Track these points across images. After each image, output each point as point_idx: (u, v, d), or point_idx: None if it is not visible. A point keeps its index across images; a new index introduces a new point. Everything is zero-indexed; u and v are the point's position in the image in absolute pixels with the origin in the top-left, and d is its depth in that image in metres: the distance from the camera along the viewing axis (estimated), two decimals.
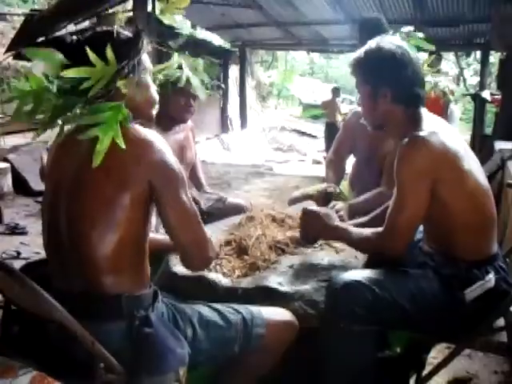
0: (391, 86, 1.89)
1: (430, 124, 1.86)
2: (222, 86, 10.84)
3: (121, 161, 1.42)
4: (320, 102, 16.77)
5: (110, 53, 1.41)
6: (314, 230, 2.10)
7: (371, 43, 1.96)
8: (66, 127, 1.52)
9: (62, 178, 1.50)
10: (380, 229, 1.89)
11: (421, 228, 2.05)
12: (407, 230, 1.85)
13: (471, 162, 1.86)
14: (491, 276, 1.80)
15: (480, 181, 1.86)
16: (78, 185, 1.46)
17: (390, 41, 1.94)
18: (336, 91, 10.83)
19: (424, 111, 1.93)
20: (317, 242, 2.20)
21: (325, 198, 2.68)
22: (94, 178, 1.44)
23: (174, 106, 2.64)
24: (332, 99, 10.49)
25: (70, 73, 1.39)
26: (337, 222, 2.08)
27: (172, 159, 1.49)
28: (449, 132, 1.87)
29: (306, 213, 2.13)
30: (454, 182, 1.80)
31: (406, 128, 1.88)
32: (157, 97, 1.64)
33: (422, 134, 1.79)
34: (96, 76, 1.40)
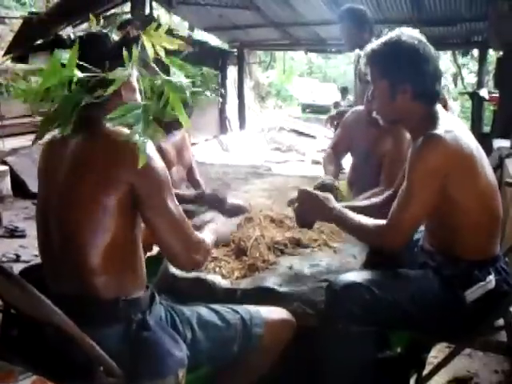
0: (412, 83, 1.82)
1: (446, 122, 1.83)
2: (222, 91, 10.78)
3: (104, 163, 1.41)
4: (319, 101, 16.83)
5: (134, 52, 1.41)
6: (310, 210, 2.03)
7: (391, 35, 1.88)
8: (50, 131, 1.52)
9: (51, 182, 1.51)
10: (382, 222, 1.86)
11: (421, 227, 2.05)
12: (410, 227, 1.84)
13: (483, 162, 1.85)
14: (491, 277, 1.80)
15: (490, 181, 1.85)
16: (66, 189, 1.46)
17: (411, 34, 1.86)
18: (344, 91, 10.93)
19: (440, 108, 1.89)
20: (312, 226, 2.14)
21: (322, 190, 2.67)
22: (80, 181, 1.44)
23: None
24: (342, 99, 10.57)
25: (111, 76, 1.37)
26: (335, 204, 2.00)
27: (157, 163, 1.46)
28: (463, 131, 1.84)
29: (304, 192, 2.06)
30: (467, 181, 1.79)
31: (422, 125, 1.84)
32: (140, 100, 1.63)
33: (438, 132, 1.76)
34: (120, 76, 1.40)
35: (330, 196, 2.04)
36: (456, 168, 1.76)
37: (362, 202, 2.27)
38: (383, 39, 1.89)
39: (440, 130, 1.77)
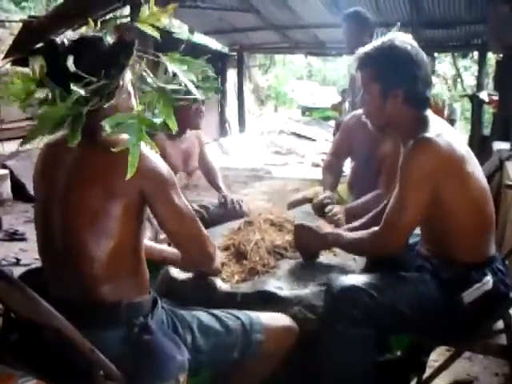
0: (404, 87, 1.83)
1: (436, 126, 1.84)
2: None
3: (109, 171, 1.40)
4: (319, 103, 16.81)
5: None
6: (308, 242, 2.11)
7: (384, 40, 1.89)
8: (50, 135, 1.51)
9: (51, 186, 1.50)
10: (376, 228, 1.89)
11: (418, 231, 2.06)
12: (406, 230, 1.85)
13: (474, 165, 1.86)
14: (489, 278, 1.80)
15: (481, 183, 1.86)
16: (69, 195, 1.45)
17: (404, 39, 1.87)
18: (344, 93, 10.88)
19: (430, 113, 1.90)
20: (317, 256, 2.18)
21: (320, 209, 2.68)
22: (83, 188, 1.44)
23: (189, 114, 2.67)
24: (341, 101, 10.51)
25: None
26: (328, 230, 2.10)
27: (161, 164, 1.49)
28: (453, 135, 1.86)
29: (297, 227, 2.16)
30: (458, 184, 1.80)
31: (411, 130, 1.85)
32: (135, 105, 1.62)
33: (429, 136, 1.77)
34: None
35: (322, 224, 2.19)
36: (447, 170, 1.77)
37: (358, 221, 2.29)
38: (376, 43, 1.90)
39: (431, 134, 1.78)
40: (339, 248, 2.13)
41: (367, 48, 1.92)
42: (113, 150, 1.33)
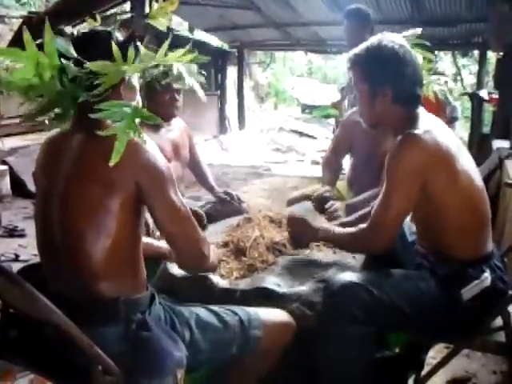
0: (392, 86, 1.86)
1: (426, 123, 1.85)
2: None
3: (106, 165, 1.36)
4: (319, 101, 16.79)
5: (131, 51, 1.41)
6: (300, 233, 2.13)
7: (372, 40, 1.92)
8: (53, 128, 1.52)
9: (51, 181, 1.50)
10: (364, 225, 1.90)
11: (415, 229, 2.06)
12: (391, 227, 1.86)
13: (465, 162, 1.86)
14: (487, 275, 1.80)
15: (474, 180, 1.86)
16: (67, 190, 1.45)
17: (392, 39, 1.90)
18: (343, 91, 10.87)
19: (422, 111, 1.91)
20: (309, 246, 2.20)
21: (320, 203, 2.68)
22: (81, 184, 1.44)
23: (161, 103, 2.65)
24: (341, 99, 10.49)
25: (93, 66, 1.36)
26: (320, 224, 2.12)
27: (158, 158, 1.48)
28: (443, 131, 1.86)
29: (292, 219, 2.18)
30: (447, 181, 1.80)
31: (402, 128, 1.86)
32: (140, 101, 1.63)
33: (415, 132, 1.79)
34: (112, 72, 1.39)
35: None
36: (433, 166, 1.77)
37: (351, 217, 2.31)
38: (365, 44, 1.94)
39: (418, 130, 1.80)
40: (328, 243, 2.16)
41: (357, 49, 1.95)
42: (99, 133, 1.34)
